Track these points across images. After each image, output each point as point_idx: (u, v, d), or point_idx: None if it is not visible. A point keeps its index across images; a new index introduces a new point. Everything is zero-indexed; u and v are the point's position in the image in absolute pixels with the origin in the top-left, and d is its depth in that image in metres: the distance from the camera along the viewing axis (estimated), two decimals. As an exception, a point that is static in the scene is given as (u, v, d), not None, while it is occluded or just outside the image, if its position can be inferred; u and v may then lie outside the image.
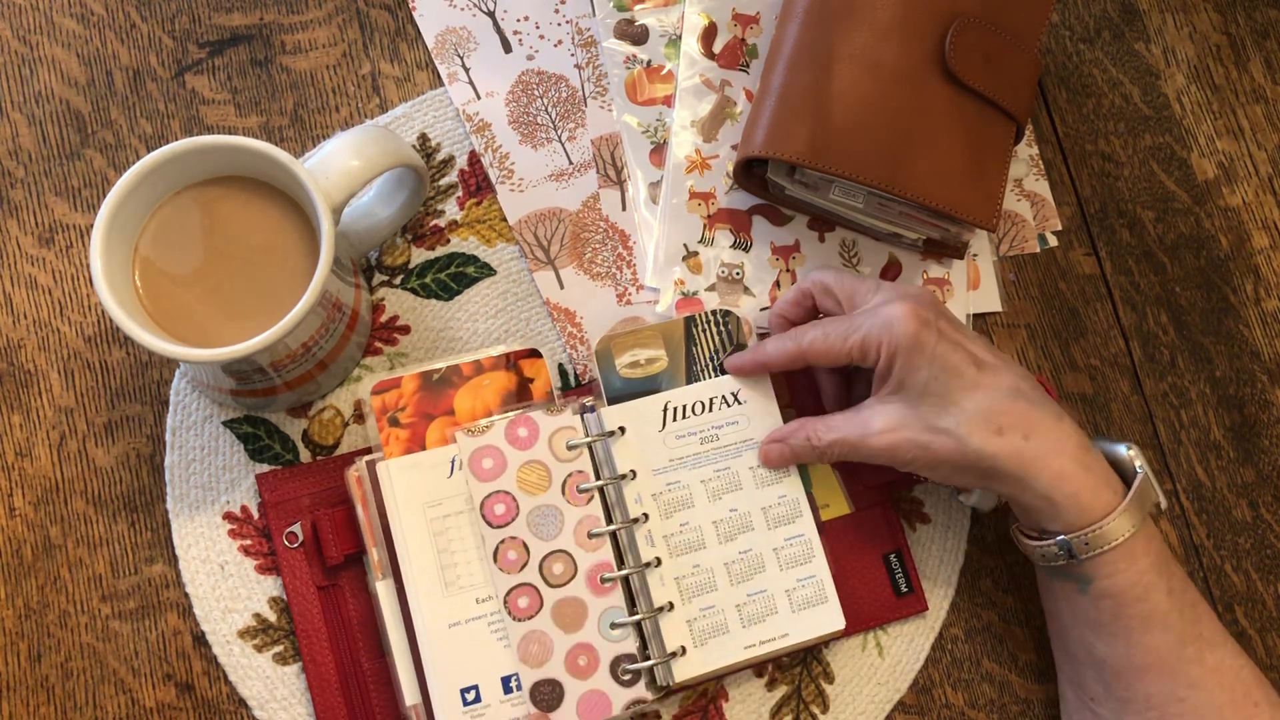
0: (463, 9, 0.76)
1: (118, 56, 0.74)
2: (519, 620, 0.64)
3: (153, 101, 0.74)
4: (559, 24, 0.77)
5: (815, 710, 0.69)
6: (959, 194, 0.69)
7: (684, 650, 0.65)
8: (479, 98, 0.75)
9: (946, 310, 0.65)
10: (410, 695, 0.64)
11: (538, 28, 0.77)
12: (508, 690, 0.64)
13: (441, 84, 0.75)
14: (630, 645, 0.65)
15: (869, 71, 0.69)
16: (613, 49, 0.76)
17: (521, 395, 0.68)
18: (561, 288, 0.73)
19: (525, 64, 0.76)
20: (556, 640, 0.64)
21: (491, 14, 0.77)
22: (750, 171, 0.73)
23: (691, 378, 0.69)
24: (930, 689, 0.70)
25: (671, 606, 0.66)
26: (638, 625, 0.65)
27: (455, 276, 0.73)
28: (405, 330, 0.72)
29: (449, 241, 0.73)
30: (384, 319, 0.72)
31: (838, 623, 0.67)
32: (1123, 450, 0.64)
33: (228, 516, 0.69)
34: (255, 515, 0.69)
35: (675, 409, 0.68)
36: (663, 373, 0.69)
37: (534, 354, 0.69)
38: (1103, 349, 0.75)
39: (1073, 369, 0.75)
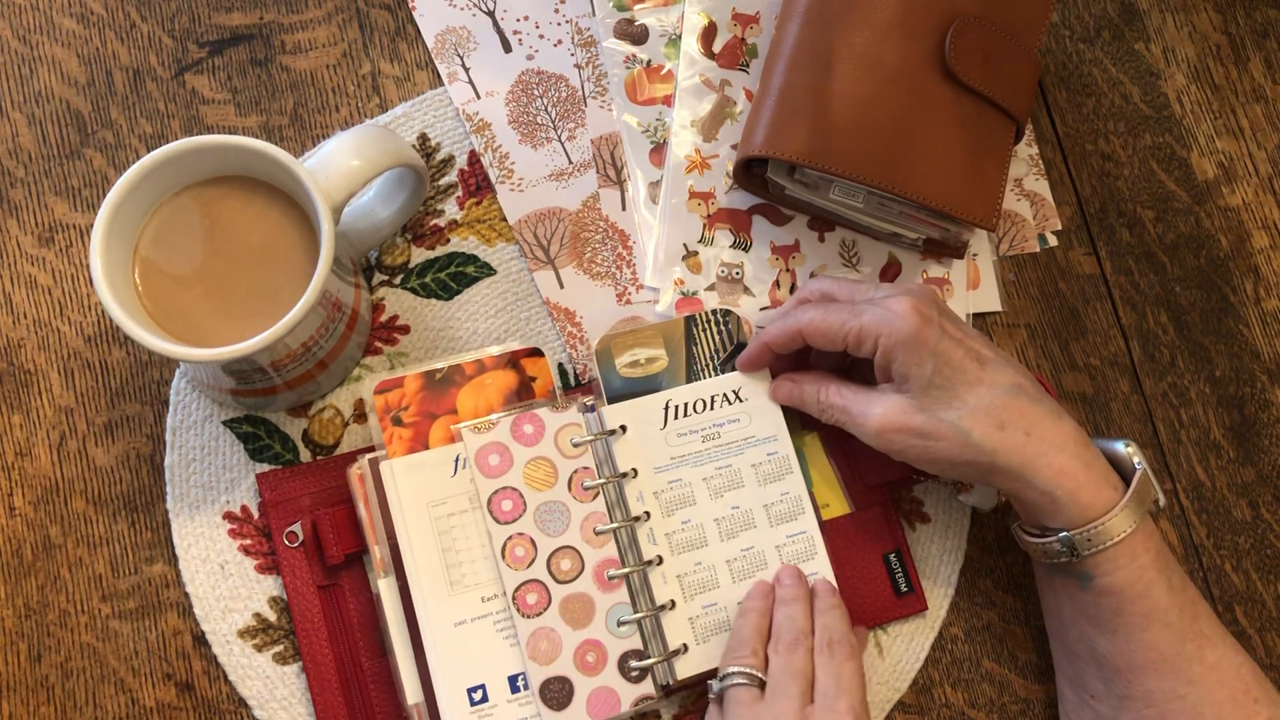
0: (463, 9, 0.76)
1: (118, 56, 0.74)
2: (527, 617, 0.64)
3: (153, 101, 0.74)
4: (559, 24, 0.77)
5: (815, 710, 0.69)
6: (959, 194, 0.69)
7: (686, 648, 0.65)
8: (479, 97, 0.75)
9: (948, 308, 0.65)
10: (412, 694, 0.64)
11: (538, 27, 0.77)
12: (514, 689, 0.64)
13: (441, 84, 0.75)
14: (638, 641, 0.65)
15: (869, 71, 0.69)
16: (613, 49, 0.76)
17: (524, 394, 0.68)
18: (561, 287, 0.73)
19: (525, 64, 0.76)
20: (565, 637, 0.64)
21: (491, 14, 0.77)
22: (750, 171, 0.73)
23: (692, 377, 0.69)
24: (930, 689, 0.70)
25: (674, 604, 0.66)
26: (640, 623, 0.65)
27: (455, 276, 0.73)
28: (405, 330, 0.72)
29: (449, 241, 0.73)
30: (384, 319, 0.72)
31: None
32: (1121, 447, 0.64)
33: (228, 516, 0.69)
34: (255, 515, 0.69)
35: (676, 407, 0.68)
36: (663, 372, 0.69)
37: (536, 353, 0.69)
38: (1103, 349, 0.75)
39: (1073, 369, 0.75)
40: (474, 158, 0.75)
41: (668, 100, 0.76)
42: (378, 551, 0.65)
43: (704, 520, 0.67)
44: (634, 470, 0.67)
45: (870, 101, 0.69)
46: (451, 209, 0.74)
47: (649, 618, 0.65)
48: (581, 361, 0.72)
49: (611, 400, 0.68)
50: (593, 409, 0.68)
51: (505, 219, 0.74)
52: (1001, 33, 0.71)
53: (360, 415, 0.70)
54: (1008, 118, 0.71)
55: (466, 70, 0.76)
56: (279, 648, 0.67)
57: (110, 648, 0.67)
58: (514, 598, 0.65)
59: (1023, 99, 0.71)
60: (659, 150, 0.75)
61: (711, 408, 0.69)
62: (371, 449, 0.69)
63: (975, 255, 0.75)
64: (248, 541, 0.68)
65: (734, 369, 0.70)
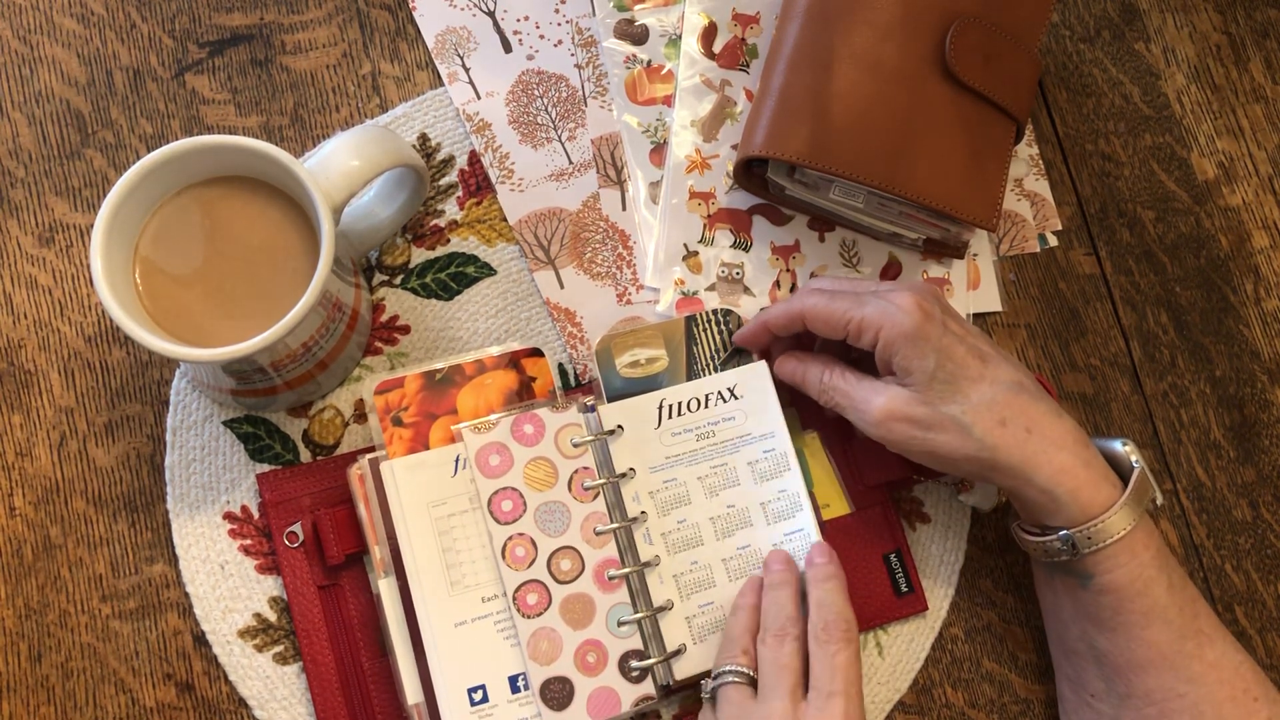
0: (463, 9, 0.76)
1: (118, 56, 0.74)
2: (528, 617, 0.64)
3: (153, 101, 0.74)
4: (559, 24, 0.77)
5: (816, 710, 0.69)
6: (959, 194, 0.69)
7: (684, 648, 0.65)
8: (479, 98, 0.75)
9: (950, 305, 0.65)
10: (413, 694, 0.64)
11: (538, 28, 0.77)
12: (515, 689, 0.64)
13: (441, 84, 0.75)
14: (638, 641, 0.65)
15: (869, 71, 0.69)
16: (613, 49, 0.76)
17: (524, 394, 0.68)
18: (561, 287, 0.73)
19: (525, 64, 0.76)
20: (565, 637, 0.64)
21: (491, 14, 0.77)
22: (750, 171, 0.73)
23: (692, 377, 0.69)
24: (930, 689, 0.70)
25: (671, 605, 0.66)
26: (640, 623, 0.65)
27: (455, 276, 0.73)
28: (405, 330, 0.72)
29: (449, 241, 0.73)
30: (384, 319, 0.72)
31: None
32: (1118, 446, 0.64)
33: (228, 516, 0.69)
34: (255, 515, 0.69)
35: (670, 406, 0.68)
36: (663, 372, 0.69)
37: (536, 353, 0.69)
38: (1103, 349, 0.75)
39: (1073, 369, 0.75)
40: (474, 158, 0.75)
41: (668, 100, 0.76)
42: (378, 552, 0.65)
43: (700, 519, 0.67)
44: (631, 470, 0.67)
45: (870, 101, 0.69)
46: (452, 209, 0.74)
47: (648, 618, 0.65)
48: (582, 361, 0.72)
49: (612, 400, 0.68)
50: (593, 409, 0.68)
51: (505, 219, 0.74)
52: (1002, 33, 0.71)
53: (360, 415, 0.70)
54: (1008, 118, 0.71)
55: (467, 70, 0.76)
56: (279, 648, 0.67)
57: (110, 648, 0.67)
58: (514, 598, 0.65)
59: (1023, 99, 0.71)
60: (659, 150, 0.75)
61: (706, 406, 0.69)
62: (372, 449, 0.69)
63: (975, 255, 0.75)
64: (248, 541, 0.68)
65: (735, 366, 0.70)
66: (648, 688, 0.65)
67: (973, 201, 0.69)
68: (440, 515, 0.65)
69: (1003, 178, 0.70)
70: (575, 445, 0.67)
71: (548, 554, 0.65)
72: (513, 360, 0.69)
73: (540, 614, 0.65)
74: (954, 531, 0.72)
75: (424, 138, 0.75)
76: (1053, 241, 0.77)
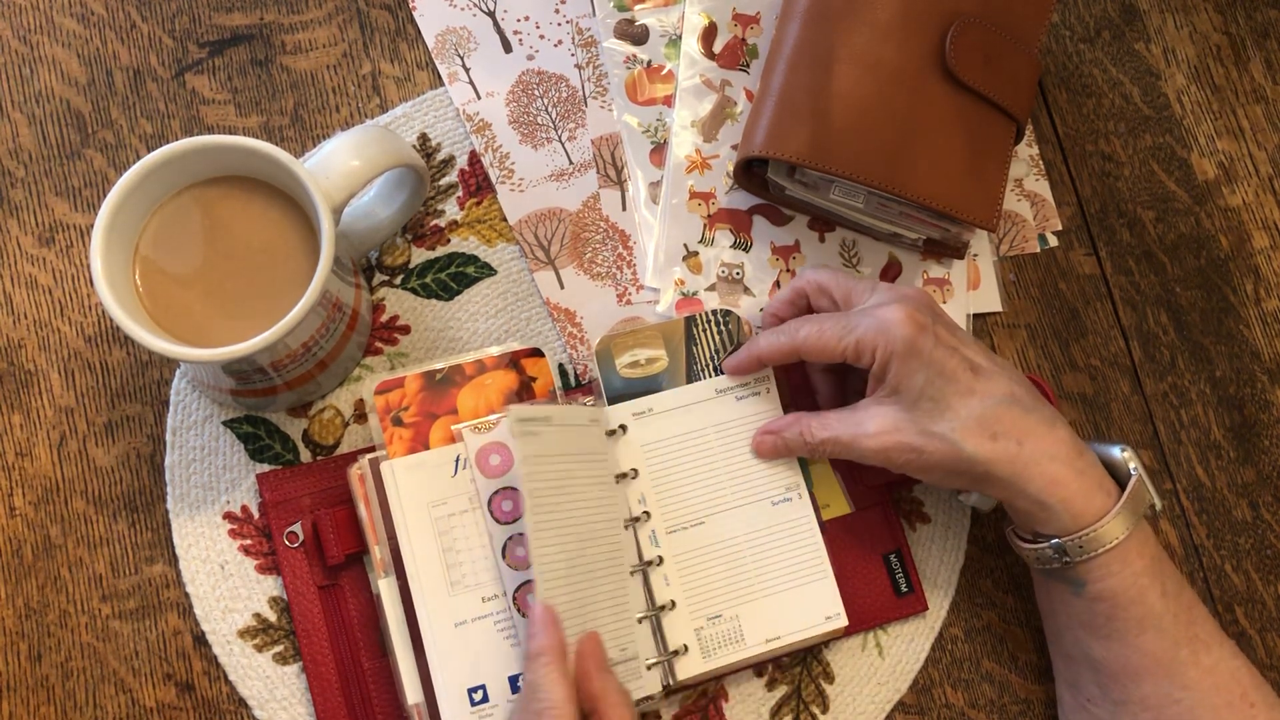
0: (463, 9, 0.76)
1: (118, 56, 0.74)
2: (528, 618, 0.64)
3: (153, 101, 0.74)
4: (559, 24, 0.77)
5: (815, 710, 0.69)
6: (959, 194, 0.69)
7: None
8: (479, 98, 0.75)
9: (943, 313, 0.65)
10: (413, 694, 0.64)
11: (538, 28, 0.77)
12: (515, 689, 0.64)
13: (441, 84, 0.75)
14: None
15: (869, 71, 0.69)
16: (613, 49, 0.76)
17: (524, 394, 0.68)
18: (561, 288, 0.73)
19: (525, 64, 0.76)
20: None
21: (491, 14, 0.77)
22: (750, 171, 0.73)
23: (692, 377, 0.69)
24: (930, 689, 0.70)
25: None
26: (640, 623, 0.65)
27: (455, 276, 0.73)
28: (405, 330, 0.72)
29: (449, 241, 0.73)
30: (384, 319, 0.72)
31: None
32: (1116, 453, 0.64)
33: (228, 516, 0.69)
34: (255, 515, 0.69)
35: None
36: (663, 373, 0.69)
37: (536, 353, 0.69)
38: (1103, 349, 0.75)
39: (1073, 369, 0.75)
40: (474, 158, 0.75)
41: (668, 100, 0.76)
42: (378, 552, 0.65)
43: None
44: (634, 471, 0.67)
45: (870, 102, 0.69)
46: (452, 209, 0.74)
47: (649, 618, 0.65)
48: (582, 362, 0.72)
49: (611, 401, 0.68)
50: (594, 409, 0.68)
51: (505, 219, 0.74)
52: (1002, 33, 0.71)
53: (360, 415, 0.70)
54: (1008, 118, 0.71)
55: (467, 70, 0.76)
56: (279, 648, 0.67)
57: (110, 648, 0.67)
58: (515, 598, 0.65)
59: (1023, 99, 0.71)
60: (659, 150, 0.75)
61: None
62: (372, 449, 0.69)
63: (975, 255, 0.75)
64: (248, 541, 0.68)
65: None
66: (649, 687, 0.65)
67: (973, 201, 0.69)
68: (440, 515, 0.65)
69: (1003, 178, 0.70)
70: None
71: (548, 554, 0.65)
72: (513, 360, 0.69)
73: (540, 614, 0.65)
74: (954, 531, 0.72)
75: (424, 138, 0.75)
76: (1053, 242, 0.77)
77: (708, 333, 0.70)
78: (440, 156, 0.74)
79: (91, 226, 0.61)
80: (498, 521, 0.65)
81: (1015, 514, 0.63)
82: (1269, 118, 0.79)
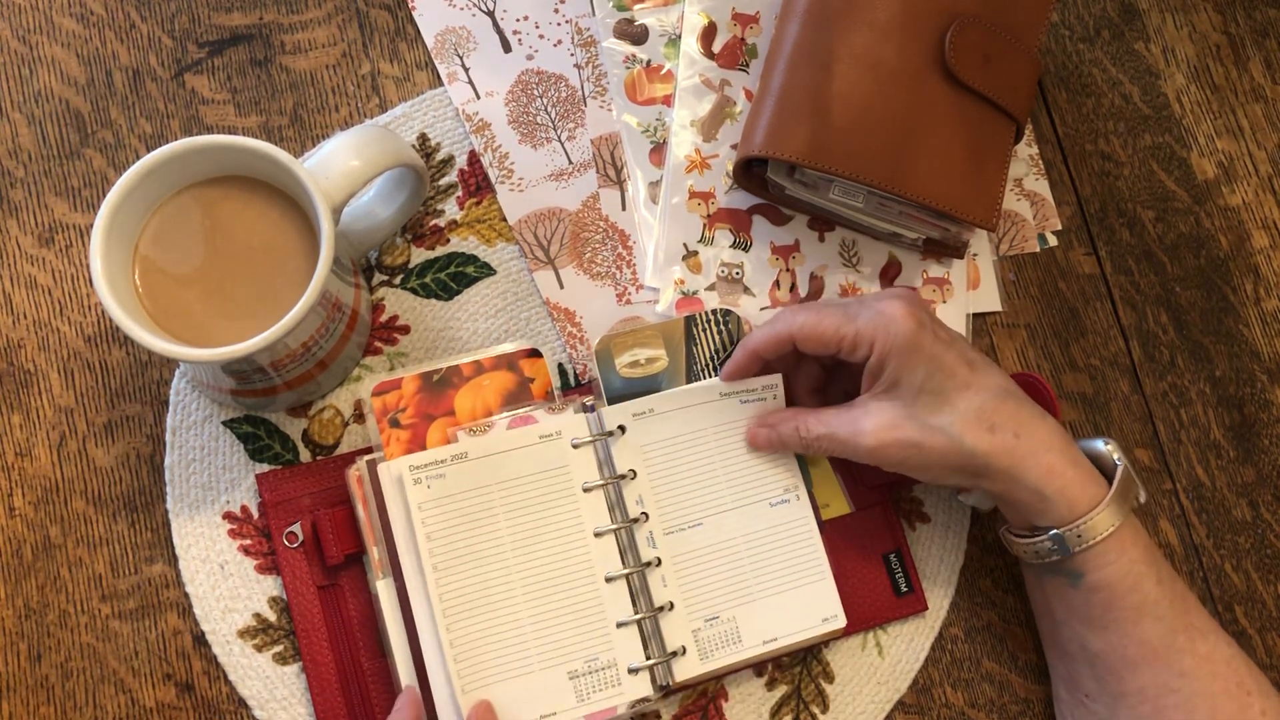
0: (462, 9, 0.76)
1: (118, 56, 0.74)
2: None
3: (153, 101, 0.74)
4: (559, 24, 0.77)
5: (815, 710, 0.69)
6: (959, 194, 0.69)
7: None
8: (479, 97, 0.75)
9: (932, 311, 0.65)
10: (411, 695, 0.64)
11: (537, 27, 0.77)
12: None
13: (441, 84, 0.75)
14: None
15: (869, 71, 0.69)
16: (612, 49, 0.76)
17: (522, 395, 0.68)
18: (561, 287, 0.73)
19: (525, 64, 0.76)
20: None
21: (491, 14, 0.77)
22: (750, 171, 0.73)
23: (692, 377, 0.69)
24: (930, 689, 0.70)
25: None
26: (639, 624, 0.65)
27: (455, 276, 0.73)
28: (405, 330, 0.72)
29: (449, 241, 0.73)
30: (384, 319, 0.72)
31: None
32: (1101, 445, 0.64)
33: (228, 516, 0.69)
34: (255, 515, 0.69)
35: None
36: (663, 372, 0.69)
37: (534, 354, 0.69)
38: (1103, 349, 0.75)
39: (1073, 369, 0.75)
40: (474, 158, 0.75)
41: (668, 100, 0.76)
42: (376, 553, 0.65)
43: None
44: (632, 471, 0.67)
45: (870, 101, 0.69)
46: (451, 209, 0.74)
47: (648, 619, 0.65)
48: (581, 362, 0.72)
49: (611, 401, 0.68)
50: (592, 409, 0.68)
51: (505, 219, 0.74)
52: (1001, 33, 0.71)
53: (360, 415, 0.70)
54: (1008, 118, 0.71)
55: (466, 70, 0.76)
56: (279, 648, 0.67)
57: (110, 648, 0.67)
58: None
59: (1023, 99, 0.71)
60: (659, 150, 0.75)
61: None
62: (371, 449, 0.69)
63: (975, 255, 0.75)
64: (248, 541, 0.68)
65: None
66: (634, 692, 0.65)
67: (972, 201, 0.69)
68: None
69: (1003, 178, 0.70)
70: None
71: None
72: (510, 361, 0.68)
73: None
74: (954, 531, 0.72)
75: (424, 138, 0.75)
76: (1053, 241, 0.77)
77: (708, 332, 0.70)
78: (440, 156, 0.74)
79: (91, 226, 0.61)
80: (497, 522, 0.65)
81: (1011, 508, 0.63)
82: (1269, 117, 0.79)
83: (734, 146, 0.75)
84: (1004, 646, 0.71)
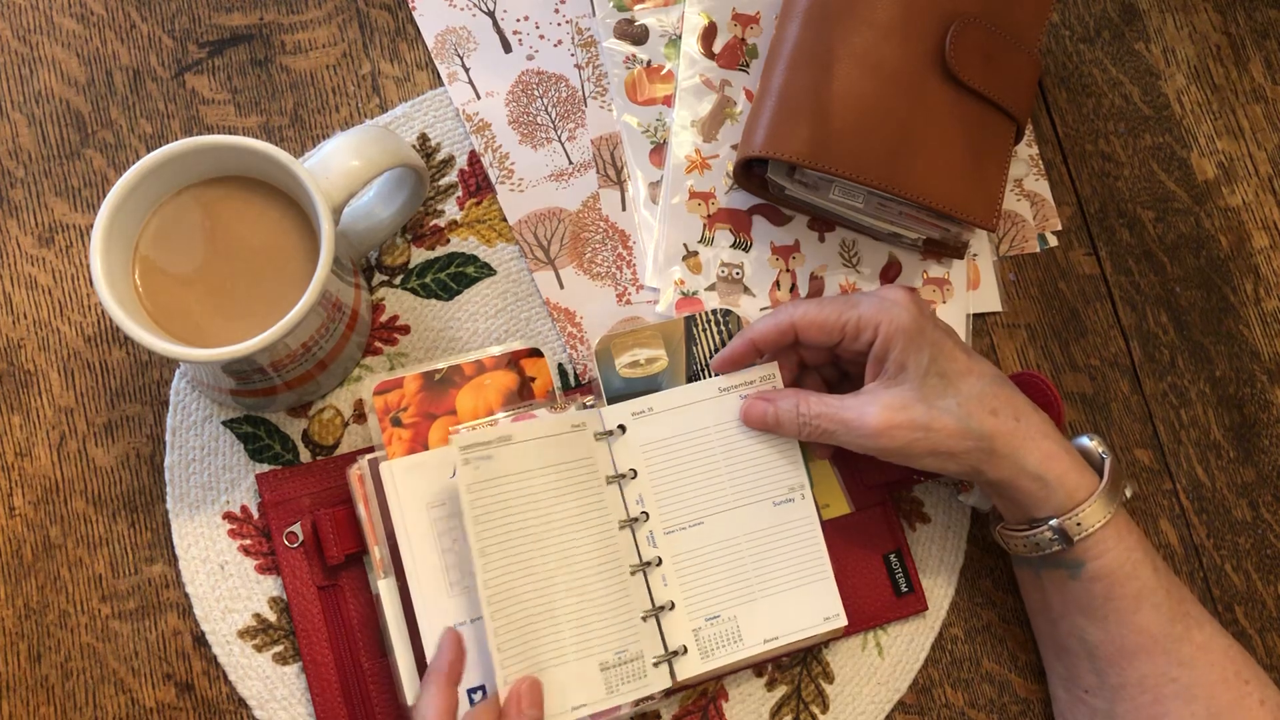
0: (463, 9, 0.76)
1: (118, 56, 0.74)
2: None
3: (153, 101, 0.74)
4: (559, 24, 0.77)
5: (815, 710, 0.69)
6: (959, 194, 0.69)
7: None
8: (479, 98, 0.75)
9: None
10: (412, 694, 0.64)
11: (538, 28, 0.77)
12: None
13: (441, 84, 0.75)
14: None
15: (869, 71, 0.69)
16: (613, 49, 0.76)
17: (523, 394, 0.68)
18: (561, 288, 0.73)
19: (525, 64, 0.76)
20: None
21: (491, 14, 0.77)
22: (750, 171, 0.73)
23: (692, 377, 0.69)
24: (930, 689, 0.70)
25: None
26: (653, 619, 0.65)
27: (455, 276, 0.73)
28: (405, 330, 0.72)
29: (449, 241, 0.73)
30: (384, 319, 0.72)
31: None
32: (1086, 441, 0.65)
33: (228, 516, 0.69)
34: (255, 515, 0.69)
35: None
36: (663, 372, 0.69)
37: (535, 353, 0.69)
38: (1103, 349, 0.75)
39: (1073, 369, 0.75)
40: (474, 158, 0.75)
41: (668, 100, 0.76)
42: (377, 552, 0.65)
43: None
44: (633, 471, 0.67)
45: (870, 101, 0.69)
46: (451, 209, 0.74)
47: (648, 618, 0.65)
48: (581, 362, 0.72)
49: (611, 401, 0.68)
50: (592, 409, 0.68)
51: (505, 219, 0.74)
52: (1001, 33, 0.71)
53: (360, 415, 0.70)
54: (1008, 118, 0.71)
55: (466, 70, 0.76)
56: (279, 648, 0.67)
57: (110, 648, 0.67)
58: (514, 598, 0.65)
59: (1023, 99, 0.71)
60: (659, 150, 0.75)
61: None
62: (371, 449, 0.69)
63: (975, 255, 0.75)
64: (248, 542, 0.68)
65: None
66: (657, 684, 0.65)
67: (972, 201, 0.69)
68: (439, 516, 0.65)
69: (1003, 178, 0.70)
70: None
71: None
72: (512, 360, 0.68)
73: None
74: (954, 531, 0.72)
75: (424, 138, 0.75)
76: (1053, 241, 0.77)
77: (708, 332, 0.70)
78: (440, 156, 0.74)
79: (91, 226, 0.61)
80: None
81: (1011, 498, 0.64)
82: (1269, 118, 0.79)
83: (734, 147, 0.75)
84: (1004, 646, 0.71)
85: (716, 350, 0.70)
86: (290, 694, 0.67)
